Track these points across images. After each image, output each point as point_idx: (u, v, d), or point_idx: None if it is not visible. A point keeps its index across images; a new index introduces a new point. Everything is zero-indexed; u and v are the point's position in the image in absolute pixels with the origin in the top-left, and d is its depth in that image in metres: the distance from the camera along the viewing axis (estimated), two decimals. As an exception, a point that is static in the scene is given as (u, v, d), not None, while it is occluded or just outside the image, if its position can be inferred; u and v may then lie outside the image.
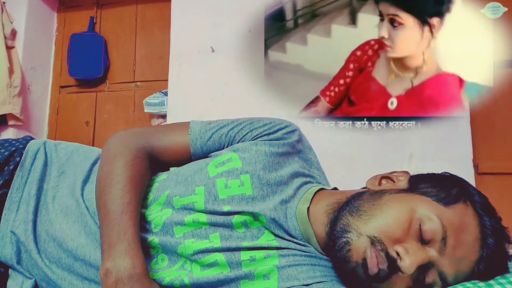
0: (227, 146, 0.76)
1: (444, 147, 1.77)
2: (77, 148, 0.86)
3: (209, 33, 2.13)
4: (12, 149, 0.80)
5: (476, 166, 1.78)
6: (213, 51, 2.12)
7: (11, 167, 0.78)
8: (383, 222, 0.61)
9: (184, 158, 0.77)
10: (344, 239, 0.61)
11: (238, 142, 0.76)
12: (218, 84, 2.08)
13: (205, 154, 0.77)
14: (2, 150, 0.80)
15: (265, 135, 0.74)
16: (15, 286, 0.70)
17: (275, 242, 0.65)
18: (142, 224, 0.68)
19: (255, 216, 0.66)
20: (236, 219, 0.66)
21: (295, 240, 0.67)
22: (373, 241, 0.59)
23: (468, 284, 0.60)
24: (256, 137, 0.75)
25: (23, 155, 0.80)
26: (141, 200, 0.69)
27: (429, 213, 0.60)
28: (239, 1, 2.12)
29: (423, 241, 0.59)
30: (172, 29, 2.20)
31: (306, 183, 0.74)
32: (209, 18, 2.15)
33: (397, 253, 0.58)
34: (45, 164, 0.80)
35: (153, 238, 0.66)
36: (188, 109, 2.08)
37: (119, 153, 0.71)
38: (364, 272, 0.59)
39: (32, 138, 0.88)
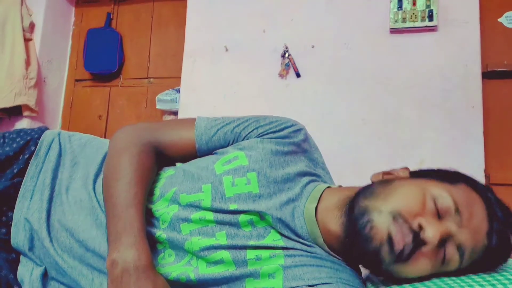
0: (232, 143, 0.76)
1: (456, 156, 1.75)
2: (90, 140, 0.87)
3: (224, 32, 2.14)
4: (28, 138, 0.82)
5: (487, 177, 1.76)
6: (226, 50, 2.13)
7: (26, 156, 0.80)
8: (401, 198, 0.62)
9: (190, 153, 0.78)
10: (366, 218, 0.61)
11: (243, 139, 0.75)
12: (230, 83, 2.09)
13: (210, 150, 0.77)
14: (18, 139, 0.81)
15: (270, 132, 0.74)
16: (25, 272, 0.71)
17: (281, 242, 0.65)
18: (150, 220, 0.69)
19: (261, 215, 0.66)
20: (242, 217, 0.66)
21: (301, 241, 0.67)
22: (395, 217, 0.60)
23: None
24: (261, 134, 0.75)
25: (38, 144, 0.82)
26: (147, 194, 0.70)
27: (439, 190, 0.62)
28: (254, 2, 2.13)
29: (439, 217, 0.61)
30: (187, 27, 2.21)
31: (312, 181, 0.74)
32: (224, 18, 2.16)
33: (420, 226, 0.59)
34: (59, 155, 0.81)
35: (161, 233, 0.67)
36: (200, 107, 2.10)
37: (125, 148, 0.72)
38: (390, 250, 0.59)
39: (47, 129, 0.89)
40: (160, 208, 0.70)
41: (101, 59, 2.56)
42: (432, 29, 1.87)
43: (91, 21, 2.68)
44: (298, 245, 0.66)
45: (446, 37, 1.85)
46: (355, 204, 0.64)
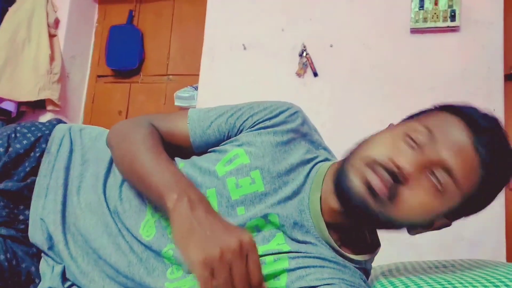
0: (228, 134, 0.73)
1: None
2: (101, 133, 0.86)
3: (242, 30, 2.15)
4: (38, 134, 0.81)
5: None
6: (245, 48, 2.14)
7: (37, 154, 0.79)
8: (372, 146, 0.62)
9: (186, 146, 0.75)
10: (345, 177, 0.61)
11: (239, 129, 0.72)
12: (247, 81, 2.10)
13: (206, 144, 0.74)
14: (29, 135, 0.80)
15: (266, 119, 0.71)
16: (47, 269, 0.71)
17: (286, 247, 0.64)
18: (158, 229, 0.68)
19: (267, 218, 0.65)
20: (249, 224, 0.64)
21: (307, 240, 0.66)
22: (368, 163, 0.60)
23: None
24: (257, 122, 0.71)
25: (49, 141, 0.81)
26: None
27: (409, 124, 0.63)
28: (273, 1, 2.13)
29: (415, 147, 0.60)
30: (206, 25, 2.23)
31: (315, 165, 0.71)
32: (242, 16, 2.17)
33: (393, 162, 0.58)
34: (71, 151, 0.80)
35: (167, 249, 0.66)
36: (217, 104, 2.09)
37: (132, 131, 0.71)
38: (374, 197, 0.58)
39: (59, 122, 0.88)
40: None
41: (123, 56, 2.61)
42: (454, 29, 1.83)
43: (114, 18, 2.74)
44: (303, 248, 0.65)
45: (468, 38, 1.81)
46: (338, 170, 0.64)
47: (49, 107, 2.44)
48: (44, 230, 0.72)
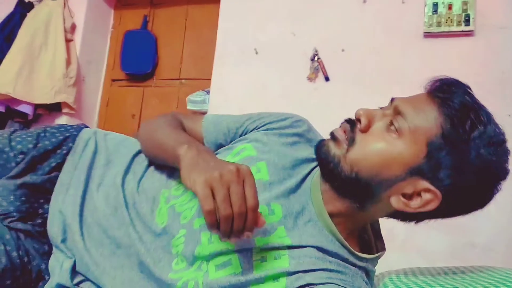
0: (236, 133, 0.80)
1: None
2: (124, 139, 0.92)
3: (254, 35, 2.16)
4: (67, 134, 0.88)
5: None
6: (256, 53, 2.15)
7: (63, 152, 0.85)
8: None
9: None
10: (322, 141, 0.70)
11: (246, 128, 0.79)
12: (259, 86, 2.11)
13: (215, 140, 0.81)
14: (57, 134, 0.87)
15: (273, 122, 0.78)
16: (56, 263, 0.75)
17: (287, 240, 0.65)
18: (171, 215, 0.71)
19: (270, 208, 0.67)
20: None
21: (310, 230, 0.66)
22: (340, 124, 0.69)
23: None
24: (264, 124, 0.78)
25: (76, 141, 0.87)
26: None
27: None
28: (285, 6, 2.14)
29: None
30: (218, 30, 2.25)
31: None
32: (254, 21, 2.18)
33: (355, 116, 0.66)
34: (95, 152, 0.86)
35: (179, 237, 0.68)
36: (228, 108, 2.13)
37: (158, 120, 0.81)
38: (334, 141, 0.66)
39: (85, 126, 0.95)
40: (184, 202, 0.72)
41: (137, 60, 2.65)
42: (468, 34, 1.81)
43: (129, 23, 2.78)
44: (304, 239, 0.65)
45: (482, 43, 1.79)
46: None
47: (65, 110, 2.50)
48: (61, 222, 0.77)
